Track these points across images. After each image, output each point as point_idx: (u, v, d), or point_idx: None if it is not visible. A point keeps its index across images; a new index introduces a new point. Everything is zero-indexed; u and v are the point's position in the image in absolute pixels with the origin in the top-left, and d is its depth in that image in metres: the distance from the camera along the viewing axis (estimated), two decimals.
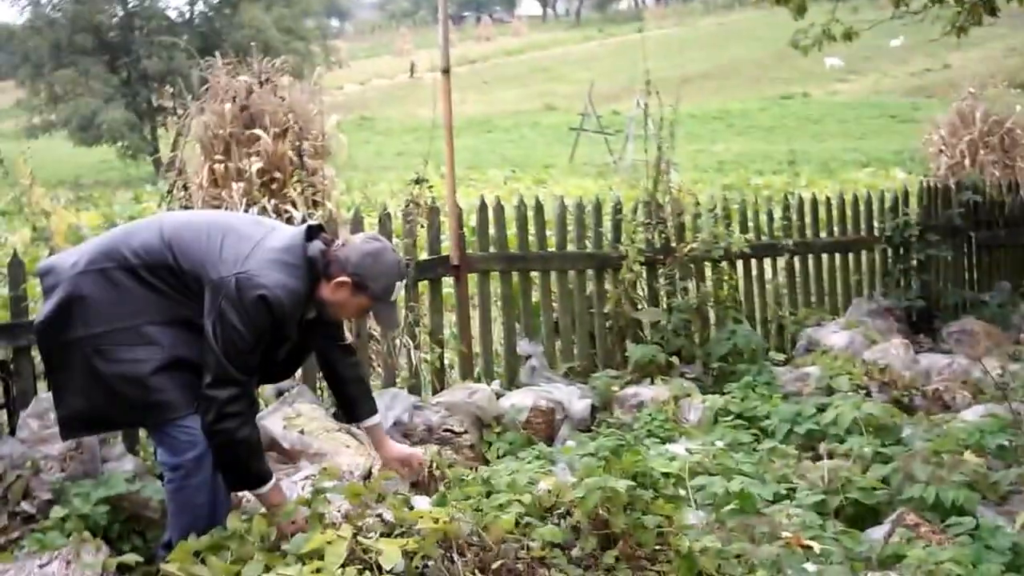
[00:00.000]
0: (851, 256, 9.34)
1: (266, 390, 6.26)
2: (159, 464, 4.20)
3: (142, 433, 5.77)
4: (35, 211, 6.44)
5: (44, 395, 5.32)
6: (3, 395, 5.49)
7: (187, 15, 38.62)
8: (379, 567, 3.39)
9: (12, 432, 5.23)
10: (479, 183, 21.63)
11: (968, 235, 10.12)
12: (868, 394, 6.84)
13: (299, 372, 6.56)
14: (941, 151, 12.10)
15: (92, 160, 34.36)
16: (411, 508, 3.87)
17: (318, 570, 3.32)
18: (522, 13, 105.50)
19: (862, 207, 9.38)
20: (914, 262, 9.43)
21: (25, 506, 4.86)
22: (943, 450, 5.11)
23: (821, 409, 6.02)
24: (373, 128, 43.56)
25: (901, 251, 9.43)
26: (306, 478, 4.83)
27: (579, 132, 31.35)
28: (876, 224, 9.41)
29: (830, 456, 5.33)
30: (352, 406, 4.63)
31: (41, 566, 4.02)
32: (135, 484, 4.94)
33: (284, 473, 5.29)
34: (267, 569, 3.44)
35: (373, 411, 4.64)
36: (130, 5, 38.67)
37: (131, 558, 4.13)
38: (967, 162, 11.63)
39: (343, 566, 3.35)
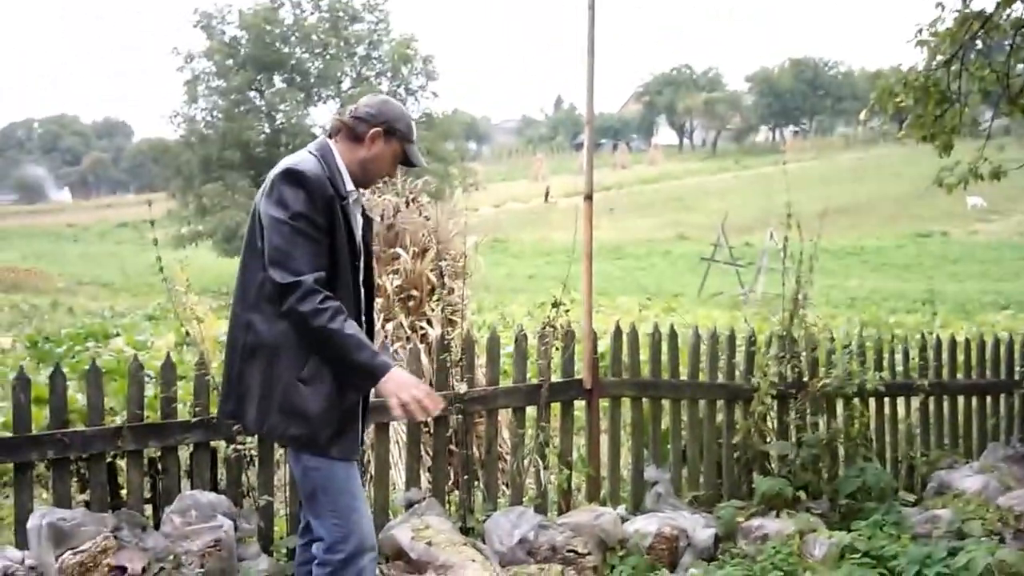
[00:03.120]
0: (988, 399, 9.14)
1: (395, 498, 6.37)
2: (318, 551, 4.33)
3: (276, 534, 5.95)
4: (188, 317, 6.69)
5: (188, 492, 5.54)
6: (150, 491, 5.72)
7: None
8: None
9: (157, 526, 5.44)
10: (608, 309, 21.74)
11: None
12: (1002, 540, 6.69)
13: (426, 484, 6.68)
14: None
15: (234, 270, 35.32)
16: None
17: None
18: (659, 142, 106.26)
19: (1002, 350, 9.22)
20: None
21: None
22: None
23: (952, 553, 5.89)
24: (506, 251, 44.18)
25: None
26: None
27: (710, 263, 31.35)
28: (1017, 368, 9.23)
29: None
30: None
31: None
32: None
33: None
34: None
35: None
36: (277, 123, 40.05)
37: None
38: None
39: None
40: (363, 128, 4.31)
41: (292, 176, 4.11)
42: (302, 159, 4.21)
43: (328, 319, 3.97)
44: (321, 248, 4.07)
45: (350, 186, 4.30)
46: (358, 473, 4.34)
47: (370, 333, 4.51)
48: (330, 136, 4.38)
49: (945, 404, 8.80)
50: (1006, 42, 8.58)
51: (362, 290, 4.39)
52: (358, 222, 4.36)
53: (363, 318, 4.40)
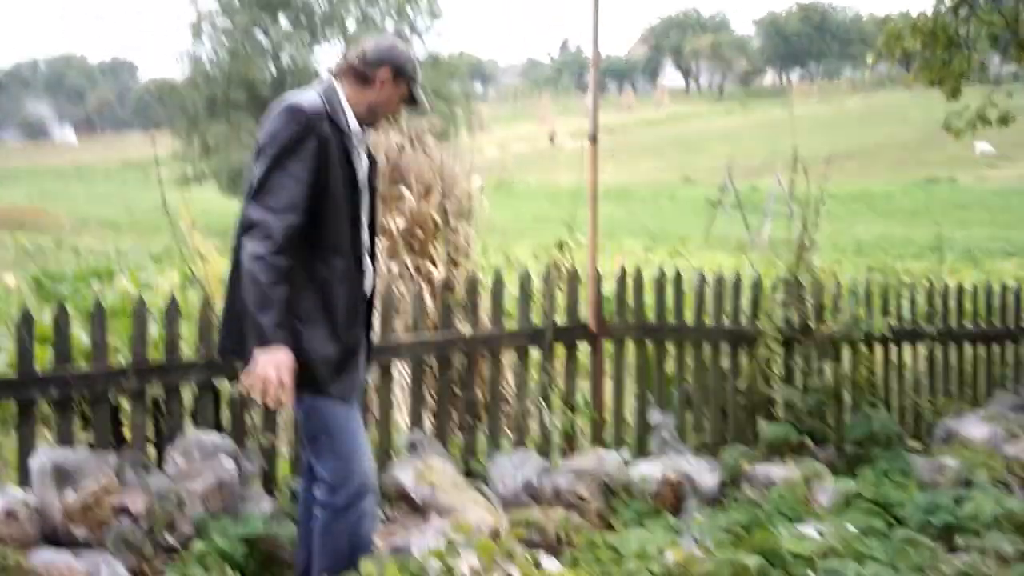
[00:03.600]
0: (996, 347, 9.12)
1: (399, 440, 6.35)
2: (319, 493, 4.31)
3: (279, 473, 5.93)
4: (192, 256, 6.63)
5: (191, 433, 5.52)
6: (153, 431, 5.71)
7: None
8: None
9: (160, 467, 5.44)
10: (614, 251, 21.67)
11: None
12: (1009, 490, 6.66)
13: (429, 426, 6.65)
14: None
15: (238, 210, 35.31)
16: (540, 568, 3.88)
17: None
18: (665, 85, 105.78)
19: (1010, 298, 9.18)
20: None
21: (169, 538, 5.06)
22: None
23: (959, 501, 5.86)
24: (512, 192, 44.06)
25: None
26: (436, 532, 4.88)
27: (717, 206, 31.25)
28: None
29: (967, 551, 5.20)
30: None
31: None
32: (271, 525, 5.10)
33: (414, 526, 5.36)
34: None
35: None
36: (283, 63, 39.92)
37: None
38: None
39: None
40: (371, 71, 4.29)
41: (289, 111, 4.11)
42: (304, 96, 4.20)
43: (262, 269, 3.93)
44: (304, 190, 4.04)
45: (354, 125, 4.28)
46: (359, 414, 4.32)
47: (373, 263, 4.50)
48: (335, 77, 4.35)
49: (952, 352, 8.77)
50: None
51: (364, 227, 4.37)
52: (362, 161, 4.35)
53: (366, 255, 4.38)
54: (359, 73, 4.30)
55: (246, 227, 4.02)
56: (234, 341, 4.22)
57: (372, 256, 4.50)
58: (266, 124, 4.15)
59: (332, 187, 4.13)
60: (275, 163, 4.03)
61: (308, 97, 4.18)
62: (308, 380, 4.08)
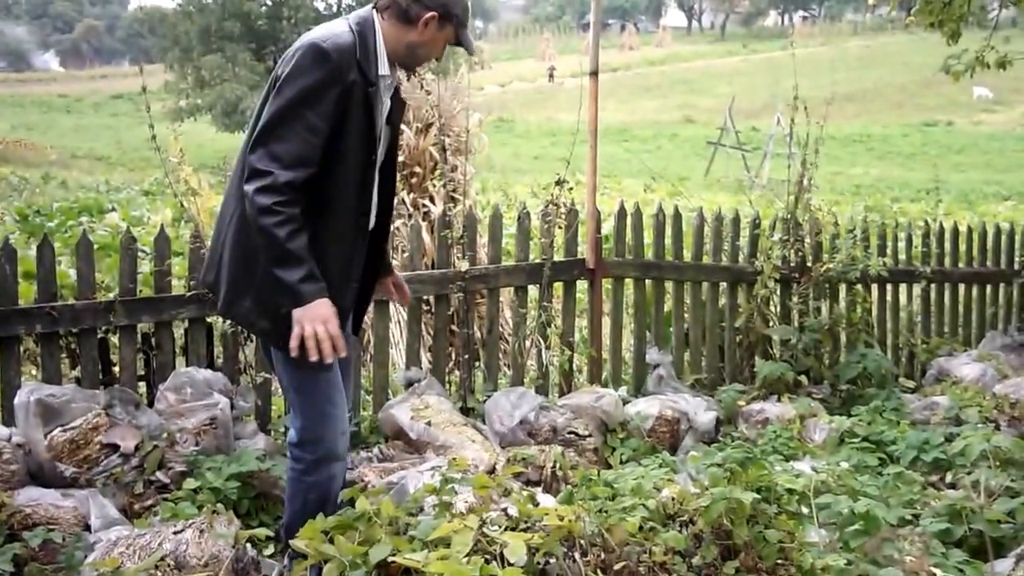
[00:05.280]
0: (988, 288, 9.16)
1: (395, 377, 6.37)
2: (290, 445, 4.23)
3: (274, 413, 5.93)
4: (182, 190, 6.57)
5: (183, 369, 5.49)
6: (144, 367, 5.66)
7: (334, 6, 38.93)
8: (503, 559, 3.43)
9: (150, 404, 5.38)
10: (614, 191, 21.65)
11: None
12: (997, 428, 6.70)
13: (426, 363, 6.67)
14: None
15: (234, 145, 35.04)
16: (536, 504, 3.91)
17: (444, 557, 3.37)
18: (667, 24, 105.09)
19: (1003, 240, 9.21)
20: None
21: (160, 476, 5.01)
22: None
23: (949, 439, 5.94)
24: (512, 131, 43.91)
25: None
26: (432, 469, 4.90)
27: (717, 147, 31.16)
28: (1017, 257, 9.22)
29: (956, 486, 5.25)
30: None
31: (176, 532, 4.15)
32: (265, 463, 5.07)
33: (410, 463, 5.38)
34: (394, 552, 3.49)
35: (389, 269, 4.59)
36: None
37: (262, 532, 4.22)
38: None
39: (468, 555, 3.39)
40: (418, 10, 3.96)
41: (317, 51, 3.80)
42: (336, 33, 3.88)
43: (276, 224, 3.70)
44: (317, 140, 3.78)
45: (384, 69, 3.99)
46: (337, 375, 4.09)
47: (387, 222, 4.34)
48: (377, 10, 4.03)
49: (946, 292, 8.84)
50: None
51: (375, 183, 4.11)
52: (384, 108, 4.07)
53: (374, 211, 4.16)
54: (403, 11, 3.97)
55: (250, 174, 3.76)
56: (213, 276, 4.05)
57: (387, 205, 4.30)
58: (289, 58, 3.87)
59: (346, 140, 3.88)
60: (291, 108, 3.77)
61: (340, 34, 3.88)
62: (280, 337, 3.88)
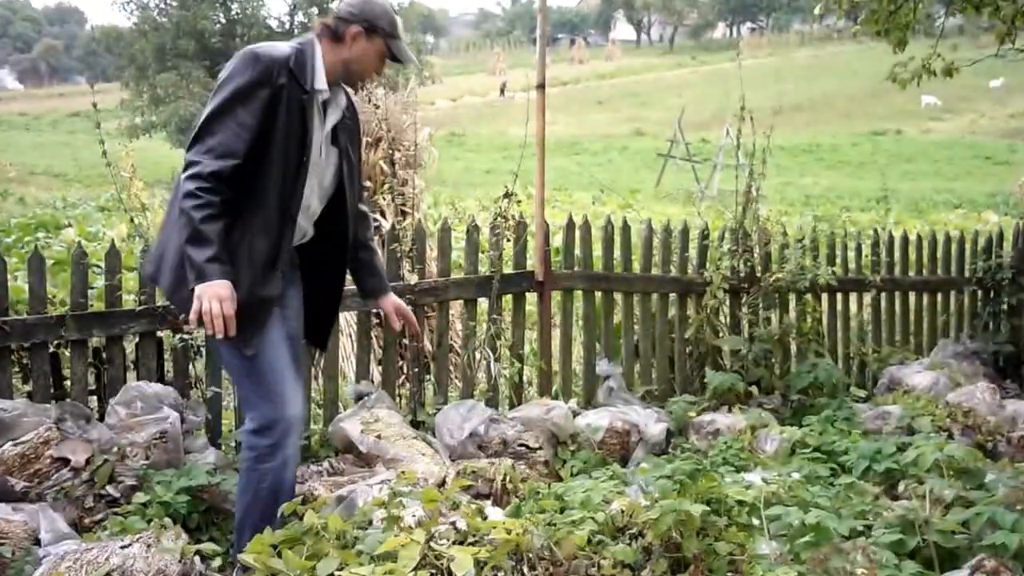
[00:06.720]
0: (939, 296, 9.19)
1: (346, 391, 6.33)
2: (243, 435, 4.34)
3: (225, 427, 5.89)
4: (134, 206, 6.56)
5: (133, 384, 5.46)
6: (95, 382, 5.64)
7: (286, 25, 39.12)
8: (450, 573, 3.41)
9: (101, 418, 5.37)
10: (564, 204, 21.65)
11: None
12: (950, 437, 6.73)
13: (378, 377, 6.64)
14: None
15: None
16: (485, 518, 3.89)
17: (391, 572, 3.34)
18: (616, 37, 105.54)
19: (954, 248, 9.25)
20: (1004, 306, 9.28)
21: (110, 490, 5.02)
22: None
23: (901, 448, 5.90)
24: (463, 145, 43.90)
25: (992, 294, 9.29)
26: (382, 482, 4.87)
27: (667, 159, 31.29)
28: (968, 265, 9.27)
29: (909, 497, 5.26)
30: (361, 272, 4.80)
31: (123, 547, 4.15)
32: (215, 477, 5.08)
33: (360, 477, 5.35)
34: (341, 567, 3.47)
35: (384, 290, 4.87)
36: (233, 12, 39.40)
37: (209, 547, 4.24)
38: None
39: (415, 570, 3.37)
40: (343, 27, 4.30)
41: (251, 55, 4.11)
42: (273, 46, 4.22)
43: (195, 206, 3.94)
44: (246, 134, 4.04)
45: (321, 84, 4.25)
46: (284, 350, 4.30)
47: (344, 245, 4.55)
48: (317, 36, 4.34)
49: (897, 300, 8.87)
50: None
51: (311, 187, 4.32)
52: (324, 121, 4.33)
53: (297, 215, 4.29)
54: (332, 30, 4.31)
55: (185, 166, 4.04)
56: (153, 267, 4.30)
57: (343, 221, 4.51)
58: (227, 65, 4.16)
59: (275, 141, 4.11)
60: (223, 106, 4.04)
61: (277, 46, 4.21)
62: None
